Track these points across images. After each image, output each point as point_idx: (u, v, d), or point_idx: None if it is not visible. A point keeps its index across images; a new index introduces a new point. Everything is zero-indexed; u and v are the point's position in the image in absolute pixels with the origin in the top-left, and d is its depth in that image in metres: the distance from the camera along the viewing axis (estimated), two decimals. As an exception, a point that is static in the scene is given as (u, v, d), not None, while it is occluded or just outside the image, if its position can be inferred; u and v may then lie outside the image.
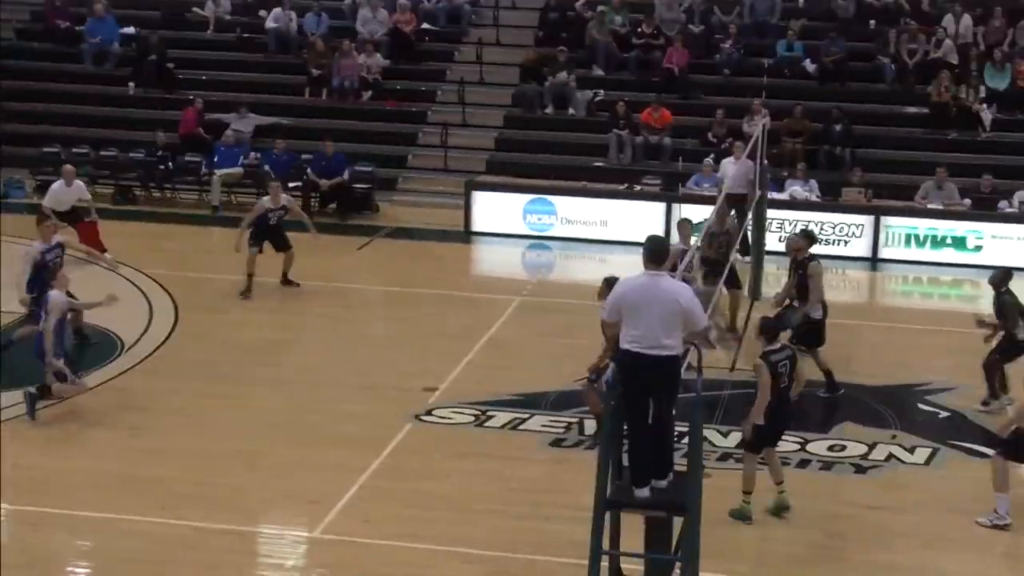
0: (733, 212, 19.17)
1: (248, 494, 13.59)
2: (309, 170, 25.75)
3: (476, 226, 25.07)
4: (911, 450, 15.06)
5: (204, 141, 27.19)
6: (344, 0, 31.20)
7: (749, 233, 20.74)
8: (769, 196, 21.79)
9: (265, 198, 20.41)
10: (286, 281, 20.34)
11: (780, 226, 23.35)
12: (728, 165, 22.48)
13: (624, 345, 10.05)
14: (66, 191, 21.64)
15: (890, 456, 14.88)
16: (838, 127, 26.51)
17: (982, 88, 27.45)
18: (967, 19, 28.75)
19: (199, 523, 12.81)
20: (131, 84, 29.44)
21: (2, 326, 17.45)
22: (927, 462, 14.82)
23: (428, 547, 12.50)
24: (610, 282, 13.36)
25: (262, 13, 30.74)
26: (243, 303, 19.75)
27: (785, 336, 14.67)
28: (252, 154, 26.74)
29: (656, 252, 10.19)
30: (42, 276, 16.61)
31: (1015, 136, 26.93)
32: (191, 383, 16.48)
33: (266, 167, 25.94)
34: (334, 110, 28.81)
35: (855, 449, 15.03)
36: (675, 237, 18.19)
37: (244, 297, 19.85)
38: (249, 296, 19.84)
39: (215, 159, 26.44)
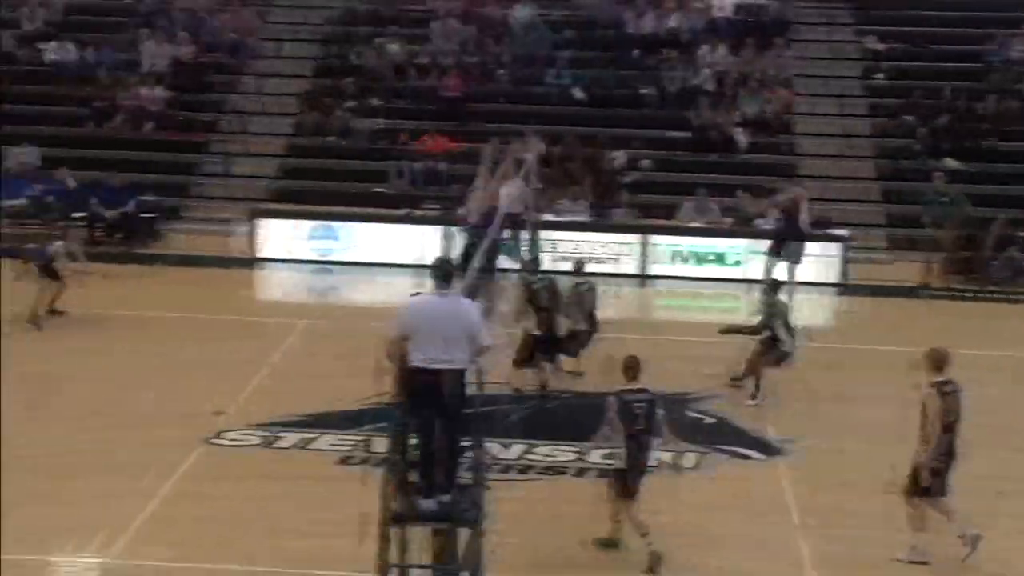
0: None
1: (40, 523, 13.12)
2: (94, 200, 25.83)
3: (262, 253, 25.52)
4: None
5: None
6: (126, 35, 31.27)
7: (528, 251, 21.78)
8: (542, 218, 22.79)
9: None
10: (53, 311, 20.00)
11: (554, 246, 24.56)
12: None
13: (413, 362, 10.40)
14: None
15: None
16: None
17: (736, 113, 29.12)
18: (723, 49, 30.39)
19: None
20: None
21: None
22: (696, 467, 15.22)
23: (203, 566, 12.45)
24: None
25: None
26: (28, 332, 19.55)
27: None
28: (37, 186, 26.65)
29: (443, 272, 10.78)
30: None
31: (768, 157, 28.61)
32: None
33: (50, 198, 25.93)
34: (118, 141, 28.91)
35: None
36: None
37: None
38: None
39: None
